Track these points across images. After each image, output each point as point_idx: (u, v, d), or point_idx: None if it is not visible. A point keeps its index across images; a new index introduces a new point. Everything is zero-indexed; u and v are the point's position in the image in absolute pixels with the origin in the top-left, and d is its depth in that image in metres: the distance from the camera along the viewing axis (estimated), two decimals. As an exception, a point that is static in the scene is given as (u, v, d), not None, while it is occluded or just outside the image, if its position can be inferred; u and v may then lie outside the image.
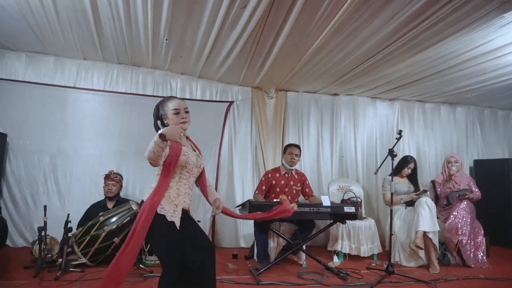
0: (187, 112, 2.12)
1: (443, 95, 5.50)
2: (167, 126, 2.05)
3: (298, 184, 4.31)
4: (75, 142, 4.47)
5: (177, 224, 1.99)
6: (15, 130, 4.27)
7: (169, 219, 1.97)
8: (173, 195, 2.04)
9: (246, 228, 4.87)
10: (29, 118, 4.33)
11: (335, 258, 4.12)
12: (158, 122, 2.14)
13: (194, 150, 2.23)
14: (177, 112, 2.08)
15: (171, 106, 2.09)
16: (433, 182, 4.62)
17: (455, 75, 4.48)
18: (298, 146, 4.32)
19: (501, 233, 5.03)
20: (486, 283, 3.48)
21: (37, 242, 3.35)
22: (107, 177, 3.99)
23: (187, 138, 2.25)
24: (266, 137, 5.15)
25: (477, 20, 3.13)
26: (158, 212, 1.96)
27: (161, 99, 2.20)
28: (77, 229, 3.66)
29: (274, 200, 4.01)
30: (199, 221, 4.41)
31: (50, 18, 3.49)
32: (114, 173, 4.03)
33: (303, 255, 3.98)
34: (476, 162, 5.78)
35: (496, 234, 4.78)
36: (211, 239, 4.81)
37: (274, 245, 3.93)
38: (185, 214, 2.11)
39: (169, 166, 2.01)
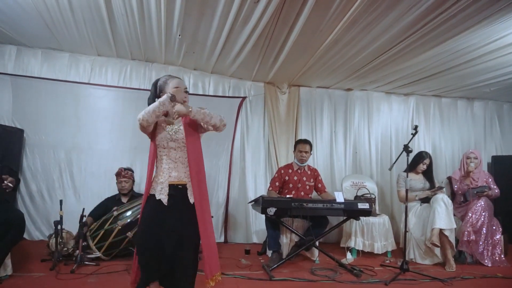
0: (186, 91, 2.20)
1: (460, 90, 5.37)
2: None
3: (311, 180, 4.28)
4: (89, 138, 4.53)
5: (164, 201, 2.11)
6: (31, 125, 4.35)
7: (157, 197, 2.12)
8: (159, 173, 2.18)
9: (259, 224, 4.87)
10: (45, 114, 4.40)
11: (348, 255, 4.09)
12: (156, 99, 2.15)
13: (180, 123, 2.22)
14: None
15: (172, 84, 2.17)
16: (449, 178, 4.53)
17: (473, 69, 4.37)
18: (308, 142, 4.27)
19: (520, 231, 4.90)
20: (503, 282, 3.40)
21: (53, 235, 3.41)
22: (118, 174, 4.01)
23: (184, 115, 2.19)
24: (279, 133, 5.13)
25: (497, 12, 3.05)
26: (150, 192, 2.16)
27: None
28: (87, 218, 3.71)
29: (287, 196, 4.01)
30: (212, 217, 4.48)
31: (65, 15, 3.53)
32: (125, 170, 4.06)
33: (316, 252, 3.96)
34: (495, 158, 5.65)
35: (514, 232, 4.66)
36: (223, 235, 4.84)
37: (287, 241, 3.92)
38: (176, 189, 2.14)
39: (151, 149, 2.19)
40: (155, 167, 2.22)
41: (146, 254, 2.07)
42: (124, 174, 4.01)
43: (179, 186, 2.16)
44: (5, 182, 2.78)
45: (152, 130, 2.18)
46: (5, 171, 3.07)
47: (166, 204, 2.11)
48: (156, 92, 2.22)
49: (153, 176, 2.23)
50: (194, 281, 2.18)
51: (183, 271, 2.10)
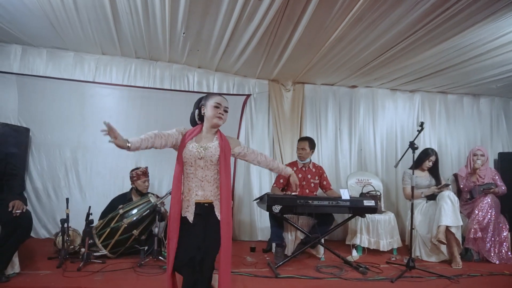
0: (226, 111, 2.24)
1: (466, 86, 5.32)
2: (204, 116, 2.23)
3: (316, 177, 4.27)
4: (94, 136, 4.53)
5: (190, 218, 2.14)
6: (37, 124, 4.38)
7: (183, 214, 2.16)
8: (185, 191, 2.20)
9: (264, 222, 4.87)
10: (50, 113, 4.43)
11: (354, 252, 4.09)
12: (196, 111, 2.29)
13: (212, 142, 2.23)
14: (217, 106, 2.20)
15: (214, 99, 2.22)
16: (455, 175, 4.51)
17: (479, 65, 4.33)
18: (307, 139, 4.27)
19: (527, 229, 4.86)
20: (511, 280, 3.38)
21: (60, 233, 3.43)
22: (144, 173, 3.99)
23: (218, 132, 2.28)
24: (284, 131, 5.12)
25: (503, 8, 3.02)
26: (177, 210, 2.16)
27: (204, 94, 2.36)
28: (99, 220, 3.72)
29: (292, 193, 4.00)
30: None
31: (69, 14, 3.54)
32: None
33: (321, 249, 3.96)
34: (501, 155, 5.60)
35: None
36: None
37: (292, 238, 3.92)
38: (203, 208, 2.17)
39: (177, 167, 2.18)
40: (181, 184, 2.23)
41: (183, 270, 2.12)
42: (147, 173, 4.03)
43: (205, 205, 2.18)
44: (13, 211, 2.80)
45: (177, 146, 2.20)
46: (8, 168, 3.08)
47: (191, 222, 2.14)
48: (199, 105, 2.28)
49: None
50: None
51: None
